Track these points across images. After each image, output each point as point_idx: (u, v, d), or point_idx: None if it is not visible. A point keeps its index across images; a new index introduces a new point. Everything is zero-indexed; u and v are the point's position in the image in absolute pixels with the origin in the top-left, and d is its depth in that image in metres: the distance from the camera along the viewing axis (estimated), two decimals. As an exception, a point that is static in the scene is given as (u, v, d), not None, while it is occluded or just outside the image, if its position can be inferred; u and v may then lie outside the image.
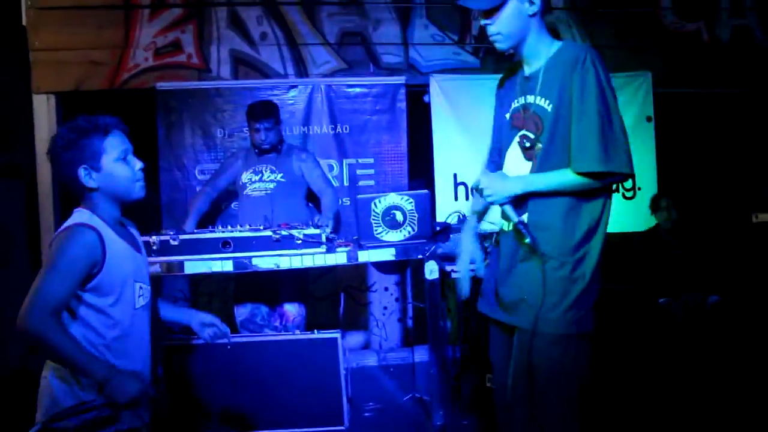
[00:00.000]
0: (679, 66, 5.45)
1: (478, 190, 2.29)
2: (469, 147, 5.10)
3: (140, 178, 2.18)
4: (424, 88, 5.19)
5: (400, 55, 5.22)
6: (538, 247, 2.16)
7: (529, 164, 2.27)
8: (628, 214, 5.27)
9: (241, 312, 4.16)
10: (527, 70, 2.31)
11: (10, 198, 5.49)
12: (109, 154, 2.10)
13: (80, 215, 2.11)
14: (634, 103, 5.31)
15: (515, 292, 2.27)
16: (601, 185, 2.16)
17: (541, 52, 2.25)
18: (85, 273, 2.02)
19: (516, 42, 2.24)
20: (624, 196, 5.30)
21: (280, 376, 3.50)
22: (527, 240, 2.16)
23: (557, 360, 2.18)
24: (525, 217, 2.22)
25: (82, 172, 2.08)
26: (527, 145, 2.26)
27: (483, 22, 2.27)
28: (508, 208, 2.23)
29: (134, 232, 2.36)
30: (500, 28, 2.22)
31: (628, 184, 5.29)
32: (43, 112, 4.90)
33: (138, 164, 2.18)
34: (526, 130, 2.27)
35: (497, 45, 2.27)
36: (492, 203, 2.29)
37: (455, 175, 5.17)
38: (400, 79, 5.17)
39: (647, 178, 5.32)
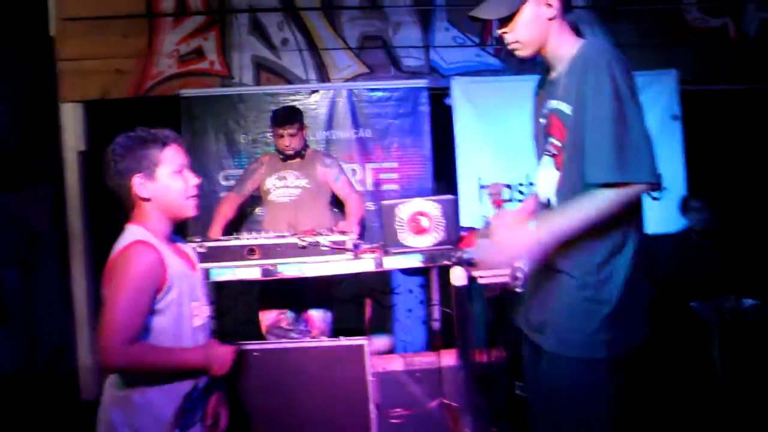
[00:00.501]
0: (705, 63, 5.37)
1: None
2: (492, 149, 5.07)
3: (194, 194, 2.14)
4: (446, 91, 5.17)
5: (422, 58, 5.20)
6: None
7: (557, 175, 2.11)
8: (655, 215, 5.18)
9: (267, 318, 4.17)
10: (553, 73, 2.17)
11: (39, 203, 5.57)
12: (166, 165, 2.07)
13: (135, 233, 2.06)
14: (659, 101, 5.23)
15: (541, 312, 2.16)
16: (625, 201, 1.93)
17: (563, 54, 2.10)
18: (153, 294, 1.99)
19: (537, 48, 2.12)
20: (650, 197, 5.22)
21: (306, 383, 3.49)
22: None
23: (583, 385, 2.03)
24: None
25: (137, 180, 2.04)
26: (555, 153, 2.12)
27: (500, 31, 2.14)
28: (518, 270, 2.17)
29: (188, 249, 2.30)
30: (518, 35, 2.10)
31: (655, 182, 5.19)
32: (70, 120, 4.96)
33: (193, 180, 2.14)
34: (554, 137, 2.13)
35: (518, 53, 2.15)
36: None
37: (479, 178, 5.13)
38: (421, 83, 5.16)
39: (675, 177, 5.21)
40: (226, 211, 4.34)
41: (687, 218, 4.83)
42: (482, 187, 5.11)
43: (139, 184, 2.05)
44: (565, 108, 2.05)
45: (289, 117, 4.25)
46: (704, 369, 4.30)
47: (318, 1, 5.13)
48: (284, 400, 3.48)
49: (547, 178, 2.17)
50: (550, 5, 2.06)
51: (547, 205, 2.18)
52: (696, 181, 5.23)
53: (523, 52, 2.14)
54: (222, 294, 5.33)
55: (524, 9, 2.07)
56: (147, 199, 2.07)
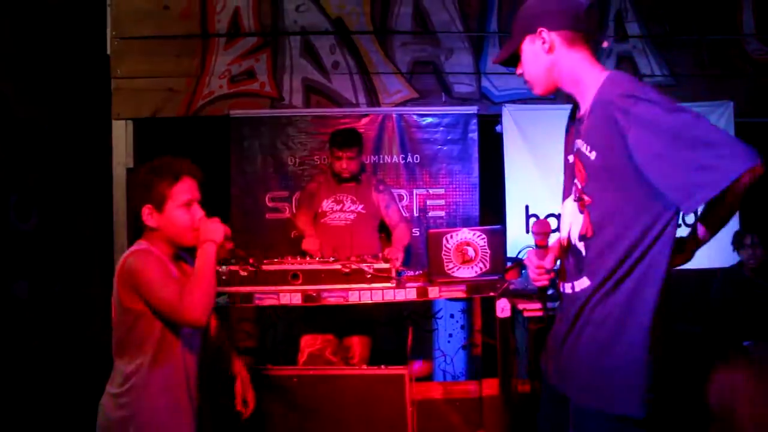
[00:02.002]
0: (763, 94, 5.24)
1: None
2: (541, 178, 5.00)
3: (197, 227, 2.26)
4: (497, 119, 5.12)
5: (473, 85, 5.18)
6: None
7: (581, 219, 2.01)
8: (706, 249, 5.04)
9: (309, 343, 4.15)
10: (580, 110, 2.07)
11: (86, 215, 5.66)
12: (174, 200, 2.22)
13: (141, 245, 2.24)
14: (715, 133, 5.11)
15: (569, 357, 2.05)
16: (739, 195, 1.82)
17: (586, 89, 2.01)
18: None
19: (548, 83, 2.08)
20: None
21: (346, 411, 3.46)
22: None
23: None
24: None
25: (145, 210, 2.22)
26: (577, 195, 2.02)
27: (517, 72, 2.17)
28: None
29: (191, 268, 2.42)
30: (525, 74, 2.12)
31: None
32: (121, 137, 5.03)
33: (199, 214, 2.27)
34: (576, 179, 2.02)
35: (533, 91, 2.15)
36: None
37: (527, 207, 5.07)
38: (472, 109, 5.12)
39: (728, 212, 5.08)
40: (306, 223, 4.27)
41: (740, 254, 4.69)
42: (530, 216, 5.05)
43: (147, 215, 2.23)
44: (586, 151, 1.96)
45: (350, 140, 4.24)
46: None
47: (370, 24, 5.14)
48: (323, 426, 3.46)
49: (570, 219, 2.09)
50: (543, 39, 2.03)
51: (570, 250, 2.09)
52: (749, 215, 5.08)
53: (536, 89, 2.14)
54: (263, 313, 5.34)
55: (524, 48, 2.09)
56: (154, 229, 2.24)
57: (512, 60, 2.16)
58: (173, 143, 5.65)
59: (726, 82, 5.24)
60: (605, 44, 2.10)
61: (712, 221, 1.97)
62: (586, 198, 1.98)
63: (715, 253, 5.02)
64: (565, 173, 2.18)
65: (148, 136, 5.19)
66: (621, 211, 1.91)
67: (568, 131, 2.20)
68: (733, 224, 5.00)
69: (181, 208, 2.23)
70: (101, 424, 2.23)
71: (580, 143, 1.99)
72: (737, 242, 4.69)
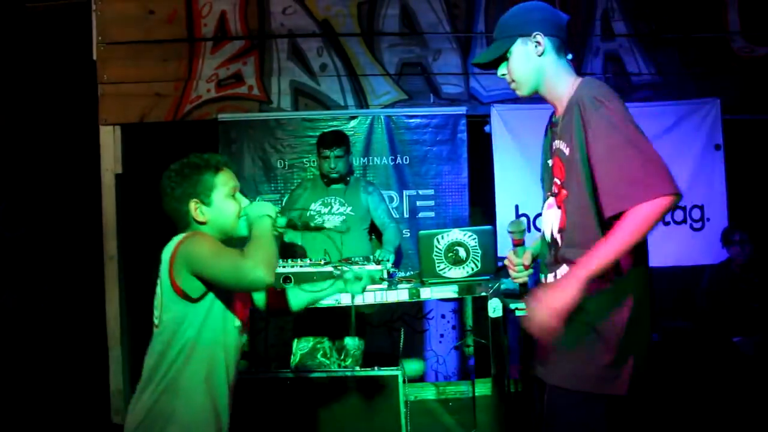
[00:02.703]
0: (749, 92, 5.27)
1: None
2: (531, 178, 4.98)
3: (245, 213, 2.22)
4: (485, 119, 5.13)
5: (461, 85, 5.18)
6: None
7: (559, 213, 2.14)
8: (696, 246, 5.09)
9: (302, 346, 4.14)
10: (557, 113, 2.19)
11: (76, 224, 5.63)
12: (220, 189, 2.18)
13: (191, 231, 2.18)
14: (701, 131, 5.14)
15: (546, 343, 2.10)
16: (651, 223, 1.86)
17: (561, 94, 2.15)
18: None
19: (535, 85, 2.17)
20: (692, 228, 5.12)
21: (339, 413, 3.47)
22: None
23: (570, 420, 2.04)
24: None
25: (193, 205, 2.16)
26: (556, 191, 2.15)
27: (499, 73, 2.22)
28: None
29: None
30: (513, 75, 2.18)
31: (696, 214, 5.10)
32: (109, 142, 5.00)
33: (244, 201, 2.24)
34: (556, 177, 2.16)
35: (518, 93, 2.22)
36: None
37: (517, 207, 5.07)
38: (460, 110, 5.12)
39: (717, 208, 5.10)
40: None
41: (729, 250, 4.72)
42: (519, 215, 5.06)
43: (195, 210, 2.16)
44: (563, 149, 2.09)
45: (337, 139, 4.27)
46: (746, 406, 4.17)
47: (357, 26, 5.14)
48: (316, 429, 3.46)
49: (550, 217, 2.20)
50: (539, 43, 2.12)
51: (551, 244, 2.20)
52: (738, 211, 5.12)
53: (520, 92, 2.21)
54: (254, 316, 5.33)
55: (514, 49, 2.15)
56: (203, 223, 2.18)
57: (491, 63, 2.23)
58: (162, 148, 5.63)
59: (712, 79, 5.26)
60: (570, 56, 2.22)
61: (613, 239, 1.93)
62: (563, 192, 2.10)
63: (704, 250, 5.06)
64: (546, 175, 2.28)
65: (136, 141, 5.16)
66: (586, 200, 2.02)
67: (546, 135, 2.31)
68: (722, 219, 5.04)
69: (228, 197, 2.19)
70: (134, 423, 2.11)
71: (557, 143, 2.13)
72: (726, 239, 4.72)
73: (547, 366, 2.13)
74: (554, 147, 2.15)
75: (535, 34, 2.12)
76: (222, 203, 2.18)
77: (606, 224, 1.96)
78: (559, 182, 2.12)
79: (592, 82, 2.12)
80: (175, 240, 2.11)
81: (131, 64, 4.98)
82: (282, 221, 2.26)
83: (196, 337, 2.09)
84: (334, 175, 4.23)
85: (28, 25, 5.12)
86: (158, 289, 2.15)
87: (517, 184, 5.07)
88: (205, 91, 5.05)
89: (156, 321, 2.15)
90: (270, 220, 2.17)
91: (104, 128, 4.99)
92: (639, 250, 2.01)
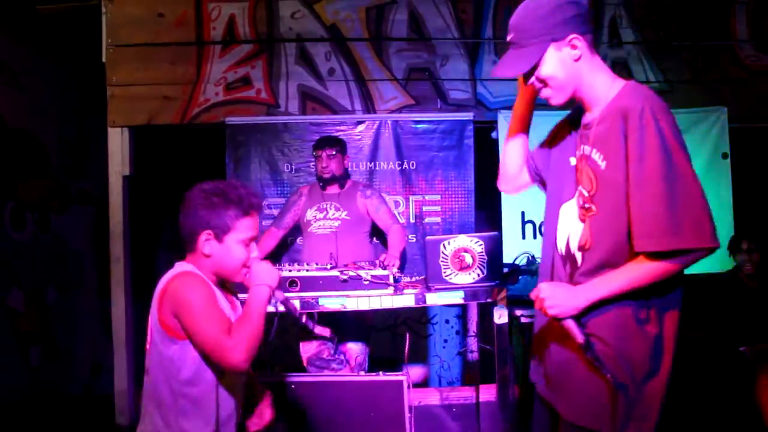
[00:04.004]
0: (757, 100, 5.25)
1: (535, 300, 1.96)
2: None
3: (250, 265, 2.13)
4: (492, 125, 5.12)
5: (468, 91, 5.18)
6: (606, 373, 1.82)
7: (580, 227, 1.97)
8: (702, 253, 5.07)
9: (308, 349, 4.15)
10: (588, 116, 2.00)
11: (82, 224, 5.65)
12: (237, 234, 2.09)
13: (185, 267, 2.10)
14: (708, 139, 5.14)
15: (562, 368, 2.00)
16: (680, 269, 1.77)
17: (599, 96, 1.95)
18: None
19: (570, 92, 1.97)
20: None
21: (344, 416, 3.47)
22: (597, 365, 1.84)
23: None
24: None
25: (204, 236, 2.07)
26: (581, 203, 1.96)
27: (528, 82, 2.01)
28: (571, 324, 1.88)
29: (234, 298, 2.29)
30: (549, 83, 1.96)
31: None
32: (117, 144, 5.01)
33: (254, 253, 2.14)
34: (583, 187, 1.97)
35: (551, 101, 1.99)
36: (554, 317, 1.91)
37: (523, 213, 5.08)
38: (467, 116, 5.12)
39: (723, 217, 5.08)
40: (267, 245, 4.36)
41: (736, 258, 4.70)
42: (525, 222, 5.06)
43: (204, 241, 2.07)
44: (598, 159, 1.91)
45: (329, 140, 4.34)
46: (752, 416, 4.16)
47: (366, 31, 5.14)
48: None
49: (569, 228, 2.03)
50: (574, 46, 1.92)
51: (565, 258, 2.05)
52: (745, 220, 5.11)
53: (556, 100, 1.99)
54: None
55: (547, 56, 1.93)
56: (207, 256, 2.09)
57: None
58: (170, 150, 5.66)
59: (720, 88, 5.24)
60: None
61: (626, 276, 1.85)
62: (593, 207, 1.93)
63: (709, 258, 5.03)
64: (562, 174, 2.10)
65: (145, 143, 5.18)
66: (621, 226, 1.86)
67: (562, 131, 2.15)
68: (729, 228, 5.02)
69: (242, 243, 2.10)
70: None
71: (588, 150, 1.95)
72: (733, 246, 4.69)
73: (563, 394, 2.00)
74: (583, 151, 1.98)
75: (571, 38, 1.91)
76: (233, 247, 2.09)
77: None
78: (586, 194, 1.95)
79: (643, 89, 1.90)
80: (168, 276, 2.06)
81: (140, 66, 4.99)
82: (279, 297, 2.19)
83: (193, 379, 2.03)
84: (327, 175, 4.24)
85: (38, 27, 5.14)
86: (149, 321, 2.09)
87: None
88: (213, 94, 5.05)
89: (147, 362, 2.09)
90: (268, 291, 2.08)
91: (113, 130, 5.00)
92: (672, 287, 1.86)
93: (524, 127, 2.31)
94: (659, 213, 1.74)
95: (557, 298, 1.89)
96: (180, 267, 2.10)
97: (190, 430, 2.03)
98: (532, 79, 1.99)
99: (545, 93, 2.00)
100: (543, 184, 2.31)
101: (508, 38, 2.01)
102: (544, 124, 2.36)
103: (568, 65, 1.93)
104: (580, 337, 1.86)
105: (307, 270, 3.51)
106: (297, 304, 3.42)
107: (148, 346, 2.08)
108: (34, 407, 4.78)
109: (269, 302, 2.09)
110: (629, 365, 1.86)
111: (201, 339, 1.95)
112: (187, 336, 1.99)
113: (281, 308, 2.27)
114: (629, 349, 1.86)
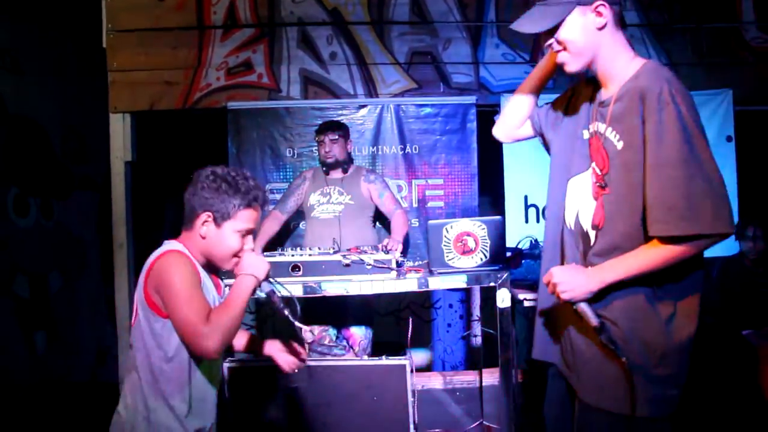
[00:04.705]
0: (762, 83, 5.21)
1: (548, 284, 1.96)
2: (540, 168, 4.94)
3: (240, 256, 2.14)
4: (495, 108, 5.08)
5: (471, 75, 5.15)
6: (621, 355, 1.84)
7: (593, 205, 1.96)
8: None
9: (310, 335, 4.16)
10: (603, 92, 1.99)
11: (85, 210, 5.65)
12: (236, 223, 2.10)
13: (174, 245, 2.10)
14: (713, 122, 5.10)
15: (579, 350, 2.01)
16: (696, 253, 1.77)
17: (617, 73, 1.93)
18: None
19: (587, 61, 1.94)
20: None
21: (347, 401, 3.47)
22: (612, 348, 1.86)
23: None
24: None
25: (204, 217, 2.08)
26: (594, 179, 1.96)
27: (546, 44, 1.98)
28: (585, 307, 1.90)
29: (219, 281, 2.31)
30: (568, 47, 1.94)
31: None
32: (119, 130, 5.00)
33: (249, 245, 2.15)
34: (596, 164, 1.96)
35: (566, 68, 1.97)
36: (567, 301, 1.93)
37: (526, 197, 5.07)
38: (470, 99, 5.09)
39: (727, 200, 5.07)
40: (269, 229, 4.34)
41: (741, 244, 4.68)
42: (528, 206, 5.04)
43: (204, 222, 2.09)
44: (614, 138, 1.90)
45: (332, 124, 4.32)
46: (755, 399, 4.16)
47: (367, 15, 5.11)
48: (324, 417, 3.46)
49: (579, 204, 2.03)
50: (600, 14, 1.90)
51: (578, 234, 2.04)
52: (749, 203, 5.08)
53: (571, 67, 1.97)
54: (261, 306, 5.35)
55: (570, 19, 1.91)
56: (202, 237, 2.10)
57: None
58: (172, 136, 5.64)
59: (725, 70, 5.20)
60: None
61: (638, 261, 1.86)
62: (605, 186, 1.93)
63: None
64: (572, 146, 2.10)
65: (147, 128, 5.17)
66: (636, 208, 1.86)
67: (578, 100, 2.14)
68: (733, 213, 4.98)
69: (238, 233, 2.11)
70: None
71: (603, 127, 1.94)
72: (739, 233, 4.66)
73: (581, 376, 2.01)
74: (597, 128, 1.97)
75: (597, 4, 1.89)
76: (229, 235, 2.10)
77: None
78: (599, 172, 1.94)
79: (662, 70, 1.88)
80: (157, 252, 2.07)
81: (141, 51, 4.98)
82: (265, 287, 2.20)
83: (173, 357, 2.04)
84: (330, 160, 4.23)
85: (38, 13, 5.12)
86: (135, 297, 2.10)
87: (526, 174, 5.05)
88: (215, 79, 5.04)
89: (131, 338, 2.10)
90: (254, 282, 2.08)
91: (114, 116, 4.99)
92: (691, 269, 1.86)
93: (536, 90, 2.37)
94: (677, 197, 1.73)
95: (570, 282, 1.90)
96: (169, 245, 2.10)
97: (165, 407, 2.05)
98: (551, 40, 1.96)
99: (562, 57, 1.98)
100: (544, 139, 2.37)
101: None
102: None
103: (590, 32, 1.91)
104: (594, 320, 1.88)
105: (310, 254, 3.50)
106: (299, 288, 3.42)
107: (132, 322, 2.10)
108: (39, 394, 4.79)
109: (253, 293, 2.09)
110: (643, 346, 1.87)
111: (178, 320, 1.96)
112: (167, 314, 2.00)
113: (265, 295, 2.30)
114: (642, 331, 1.87)
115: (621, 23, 1.95)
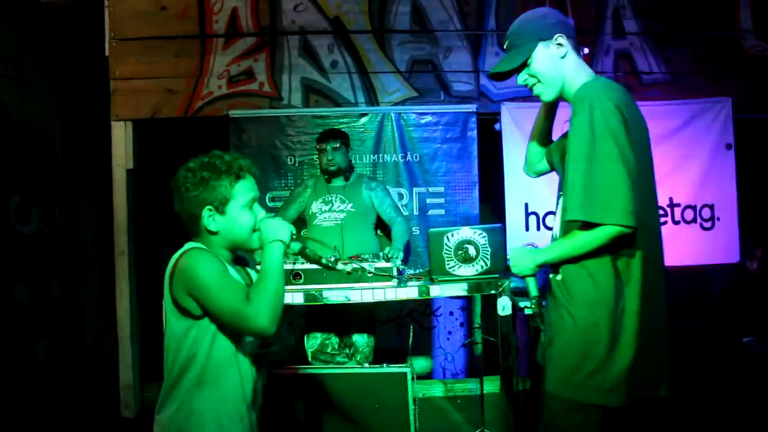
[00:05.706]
0: (761, 91, 5.23)
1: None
2: (541, 177, 5.00)
3: (259, 227, 2.07)
4: (496, 117, 5.12)
5: (471, 83, 5.17)
6: (542, 329, 2.17)
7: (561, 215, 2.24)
8: (706, 245, 5.06)
9: (312, 343, 4.16)
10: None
11: (87, 219, 5.65)
12: (237, 200, 2.03)
13: (192, 244, 2.04)
14: (713, 130, 5.12)
15: (547, 349, 2.17)
16: (607, 241, 1.98)
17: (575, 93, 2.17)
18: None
19: (559, 87, 2.19)
20: (702, 227, 5.09)
21: (349, 408, 3.48)
22: (536, 322, 2.24)
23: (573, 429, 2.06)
24: (558, 277, 2.15)
25: (206, 213, 2.01)
26: (562, 192, 2.22)
27: (520, 81, 2.24)
28: (529, 281, 2.26)
29: (251, 271, 2.25)
30: (540, 78, 2.19)
31: (706, 214, 5.06)
32: (121, 138, 5.02)
33: (261, 213, 2.08)
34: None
35: (542, 98, 2.24)
36: (517, 275, 2.29)
37: (526, 205, 5.07)
38: (471, 107, 5.11)
39: (727, 207, 5.06)
40: None
41: (749, 264, 4.69)
42: (529, 214, 5.05)
43: (208, 217, 2.02)
44: (565, 149, 2.13)
45: (333, 132, 4.32)
46: (757, 407, 4.16)
47: (368, 24, 5.14)
48: (326, 424, 3.47)
49: (557, 215, 2.29)
50: (560, 44, 2.15)
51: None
52: (749, 211, 5.09)
53: (546, 96, 2.22)
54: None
55: (536, 54, 2.16)
56: (214, 233, 2.04)
57: (508, 73, 2.25)
58: (173, 144, 5.65)
59: (724, 78, 5.23)
60: (586, 51, 2.35)
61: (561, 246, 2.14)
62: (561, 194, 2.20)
63: (714, 249, 5.03)
64: (560, 174, 2.32)
65: (148, 137, 5.19)
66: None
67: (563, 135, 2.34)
68: (733, 221, 5.00)
69: (245, 208, 2.04)
70: None
71: (565, 142, 2.16)
72: (746, 251, 4.71)
73: (548, 370, 2.15)
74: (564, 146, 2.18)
75: (556, 36, 2.15)
76: (237, 215, 2.03)
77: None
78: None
79: (596, 84, 2.10)
80: (176, 255, 2.00)
81: (143, 60, 5.00)
82: (295, 247, 2.09)
83: (207, 356, 1.97)
84: (332, 168, 4.23)
85: (41, 21, 5.13)
86: (163, 303, 2.03)
87: (526, 182, 4.95)
88: (217, 87, 5.06)
89: (165, 341, 2.03)
90: (282, 246, 2.03)
91: (116, 124, 5.01)
92: (636, 259, 2.04)
93: (542, 133, 2.59)
94: (578, 187, 1.99)
95: (516, 259, 2.26)
96: (188, 245, 2.04)
97: (204, 406, 1.99)
98: (525, 76, 2.21)
99: (537, 90, 2.23)
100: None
101: (504, 46, 2.28)
102: (562, 116, 2.51)
103: (555, 61, 2.17)
104: (533, 292, 2.28)
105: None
106: (301, 297, 3.43)
107: (164, 326, 2.03)
108: (39, 400, 4.79)
109: (286, 257, 2.06)
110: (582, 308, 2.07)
111: (220, 312, 1.91)
112: (205, 312, 1.95)
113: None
114: (584, 295, 2.07)
115: (578, 51, 2.22)
